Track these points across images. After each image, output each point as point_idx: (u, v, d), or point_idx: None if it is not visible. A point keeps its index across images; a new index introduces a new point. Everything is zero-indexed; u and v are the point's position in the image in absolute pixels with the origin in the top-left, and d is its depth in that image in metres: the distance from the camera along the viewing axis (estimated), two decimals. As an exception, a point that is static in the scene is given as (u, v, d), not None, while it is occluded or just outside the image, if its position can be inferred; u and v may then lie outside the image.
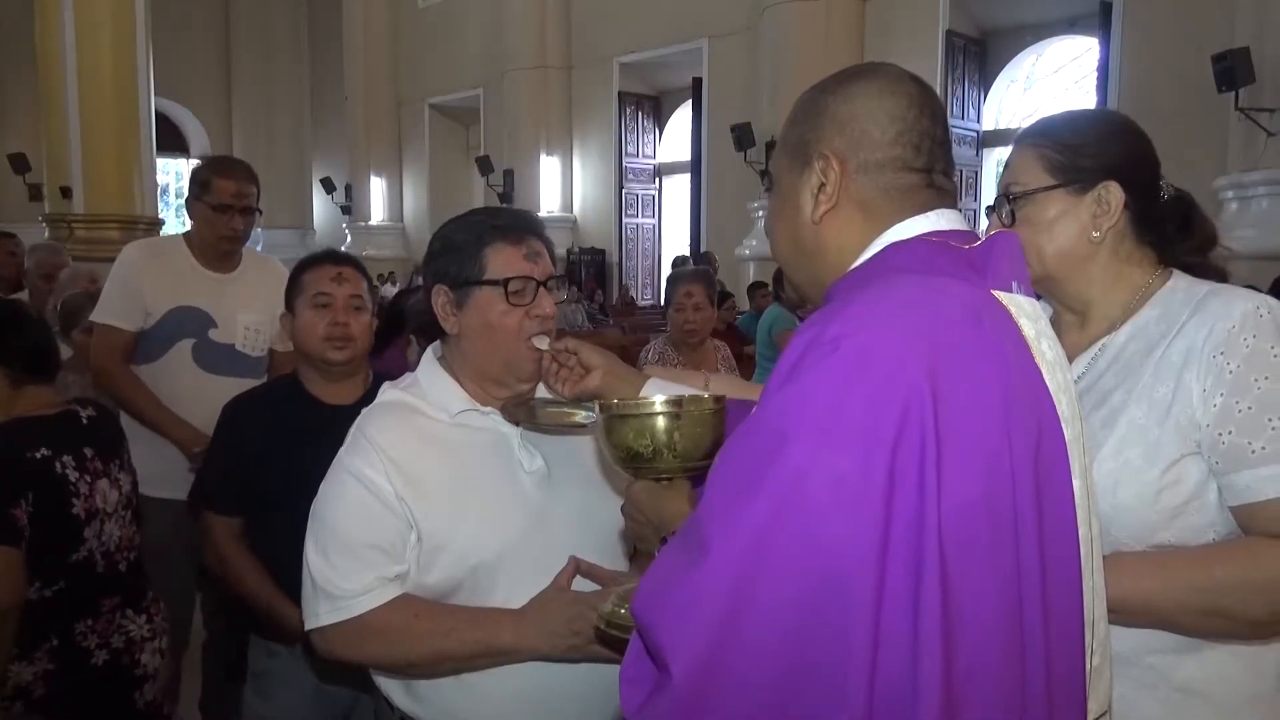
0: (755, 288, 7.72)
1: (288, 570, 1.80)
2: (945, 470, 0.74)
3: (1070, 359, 1.23)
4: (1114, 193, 1.21)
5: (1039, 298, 1.05)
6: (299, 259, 2.14)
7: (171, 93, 16.65)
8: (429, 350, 1.47)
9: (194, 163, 19.05)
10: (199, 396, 2.59)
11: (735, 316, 6.98)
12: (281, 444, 1.94)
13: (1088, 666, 0.86)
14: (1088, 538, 0.88)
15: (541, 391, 1.46)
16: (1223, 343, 1.10)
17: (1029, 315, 0.89)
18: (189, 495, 2.09)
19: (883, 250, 0.90)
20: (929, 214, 0.92)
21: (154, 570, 2.47)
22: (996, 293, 0.87)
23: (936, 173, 0.94)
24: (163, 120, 14.28)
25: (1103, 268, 1.24)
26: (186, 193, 2.69)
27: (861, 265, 0.91)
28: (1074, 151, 1.22)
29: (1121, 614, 1.07)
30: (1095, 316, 1.26)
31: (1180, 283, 1.22)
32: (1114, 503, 1.12)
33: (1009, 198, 1.26)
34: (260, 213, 2.80)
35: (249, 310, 2.74)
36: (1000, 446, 0.78)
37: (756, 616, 0.73)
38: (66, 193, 7.85)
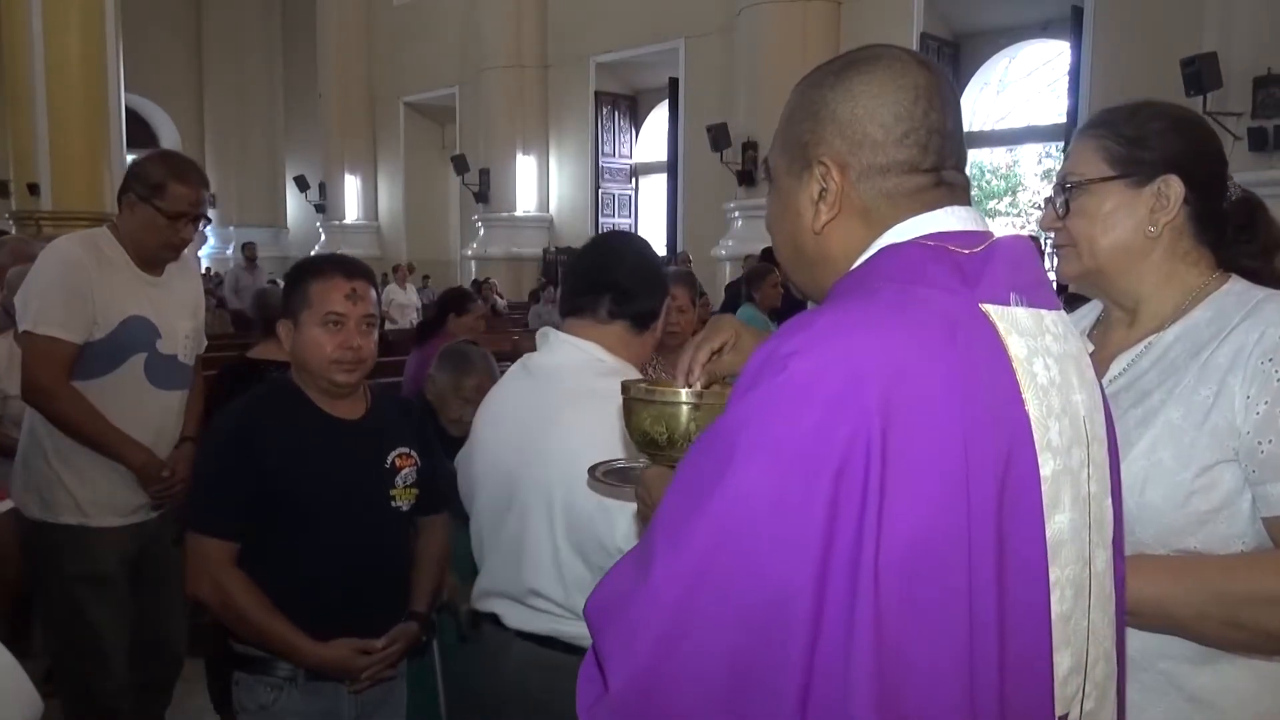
0: (731, 287, 7.74)
1: (295, 596, 1.79)
2: (890, 503, 0.71)
3: (1114, 356, 1.20)
4: (1174, 187, 1.15)
5: (1067, 302, 0.98)
6: (303, 258, 1.94)
7: (142, 88, 16.42)
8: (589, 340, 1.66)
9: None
10: (149, 414, 2.42)
11: (710, 315, 6.99)
12: (301, 459, 1.82)
13: (1067, 711, 0.83)
14: (1081, 577, 0.84)
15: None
16: (1272, 349, 1.06)
17: (1024, 331, 0.82)
18: (183, 519, 1.84)
19: (876, 254, 0.85)
20: (935, 212, 0.85)
21: (94, 600, 2.38)
22: (987, 306, 0.80)
23: (947, 169, 0.87)
24: (133, 116, 14.06)
25: (1156, 265, 1.19)
26: (123, 187, 2.38)
27: (856, 269, 0.85)
28: (1135, 143, 1.17)
29: (1137, 616, 1.04)
30: (1145, 315, 1.21)
31: (1237, 286, 1.17)
32: (1140, 501, 1.09)
33: (1065, 188, 1.21)
34: (209, 221, 2.59)
35: (184, 317, 2.54)
36: (956, 482, 0.73)
37: (693, 641, 0.72)
38: (34, 189, 7.75)
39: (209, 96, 19.10)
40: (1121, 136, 1.18)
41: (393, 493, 1.91)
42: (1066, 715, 0.83)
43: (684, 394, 1.03)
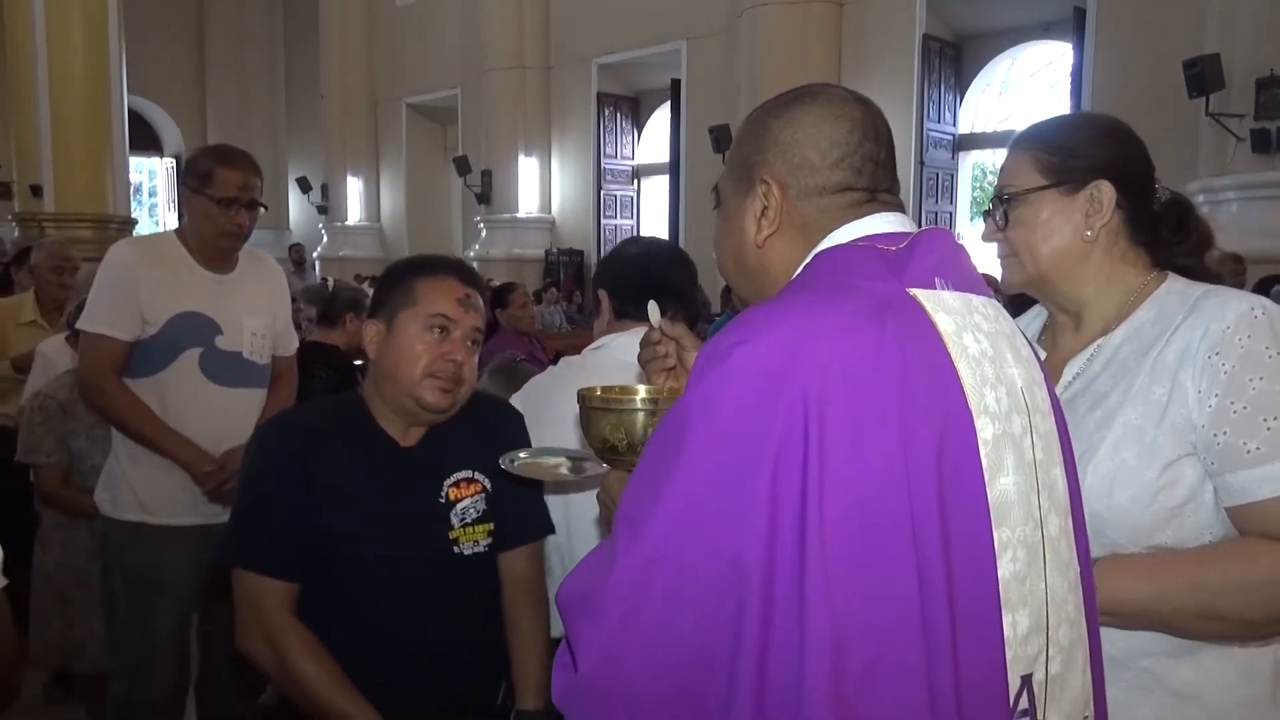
0: (731, 290, 7.74)
1: (355, 657, 1.44)
2: (830, 470, 0.75)
3: (1065, 361, 1.25)
4: (1105, 191, 1.21)
5: (994, 291, 1.03)
6: (411, 256, 1.67)
7: (144, 90, 16.43)
8: None
9: (169, 160, 18.92)
10: (207, 410, 2.41)
11: (711, 318, 7.00)
12: (348, 493, 1.48)
13: (1031, 671, 0.85)
14: (1033, 539, 0.86)
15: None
16: (1218, 343, 1.10)
17: (950, 310, 0.87)
18: (220, 553, 1.56)
19: (812, 259, 0.92)
20: (865, 219, 0.93)
21: (150, 600, 2.35)
22: (914, 290, 0.86)
23: (880, 192, 0.96)
24: (135, 118, 14.08)
25: (1096, 268, 1.24)
26: (180, 184, 2.46)
27: (795, 277, 0.93)
28: (1066, 152, 1.23)
29: (1119, 617, 1.07)
30: (1090, 318, 1.26)
31: (1175, 284, 1.22)
32: (1110, 504, 1.11)
33: (1002, 199, 1.26)
34: (265, 207, 2.55)
35: (253, 314, 2.50)
36: (893, 447, 0.77)
37: (654, 618, 0.77)
38: (37, 191, 7.76)
39: (211, 98, 19.11)
40: (1052, 146, 1.25)
41: (453, 535, 1.52)
42: (1030, 676, 0.85)
43: (639, 400, 1.07)
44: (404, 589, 1.48)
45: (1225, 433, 1.08)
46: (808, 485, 0.74)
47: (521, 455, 1.36)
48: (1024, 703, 0.84)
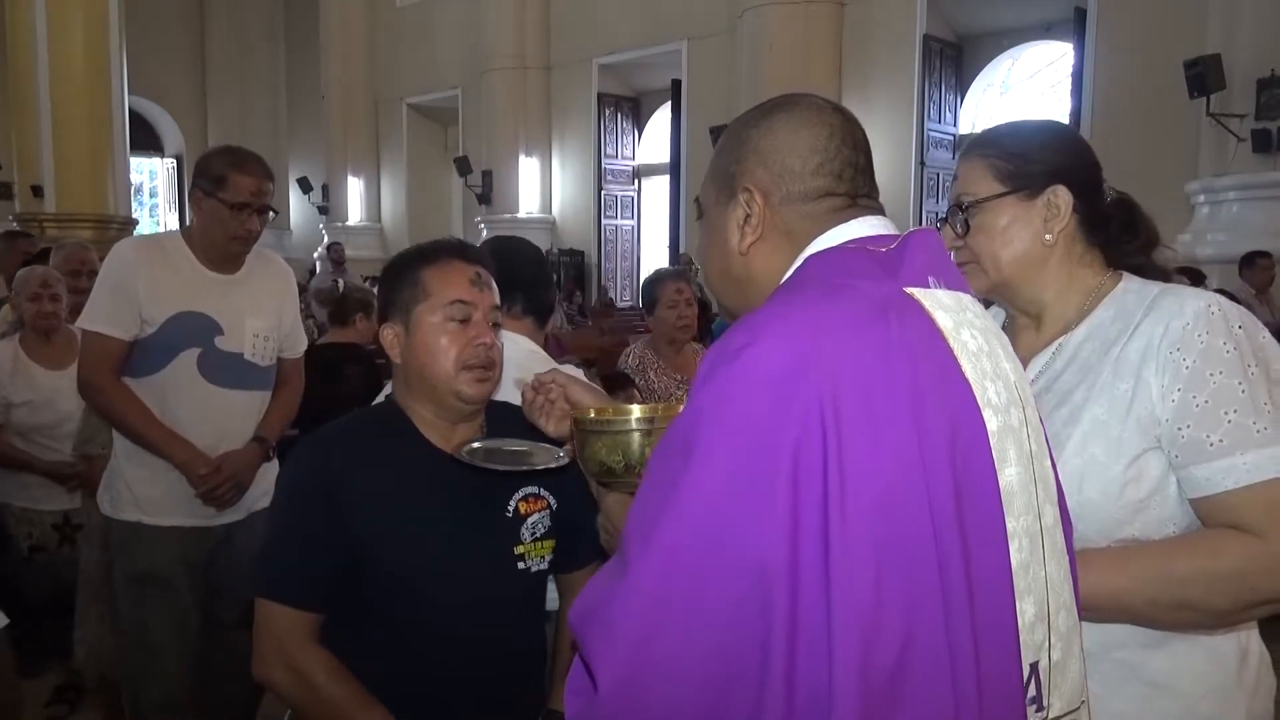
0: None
1: (392, 692, 1.40)
2: (849, 471, 0.74)
3: (1026, 360, 1.27)
4: (1062, 196, 1.24)
5: (983, 294, 1.04)
6: (406, 249, 1.57)
7: (145, 90, 16.44)
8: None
9: (169, 160, 18.90)
10: (205, 411, 2.39)
11: (712, 317, 6.99)
12: (396, 511, 1.41)
13: (1037, 659, 0.87)
14: (1034, 528, 0.88)
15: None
16: (1178, 340, 1.14)
17: (946, 307, 0.88)
18: (254, 582, 1.49)
19: (803, 263, 0.92)
20: (851, 222, 0.93)
21: (148, 600, 2.35)
22: (910, 289, 0.87)
23: (861, 196, 0.97)
24: (136, 118, 14.09)
25: (1055, 270, 1.27)
26: (191, 185, 2.40)
27: (785, 281, 0.93)
28: (1021, 159, 1.25)
29: (1092, 610, 1.08)
30: (1050, 318, 1.29)
31: (1132, 284, 1.26)
32: (1079, 499, 1.14)
33: (961, 207, 1.28)
34: (276, 212, 2.50)
35: (257, 315, 2.46)
36: (909, 442, 0.78)
37: (671, 633, 0.75)
38: (38, 191, 7.77)
39: (212, 98, 19.11)
40: (1006, 153, 1.26)
41: (519, 550, 1.48)
42: (1036, 663, 0.86)
43: (634, 420, 1.05)
44: (458, 604, 1.43)
45: (1188, 426, 1.11)
46: (829, 484, 0.74)
47: (475, 444, 1.37)
48: (1032, 690, 0.86)
